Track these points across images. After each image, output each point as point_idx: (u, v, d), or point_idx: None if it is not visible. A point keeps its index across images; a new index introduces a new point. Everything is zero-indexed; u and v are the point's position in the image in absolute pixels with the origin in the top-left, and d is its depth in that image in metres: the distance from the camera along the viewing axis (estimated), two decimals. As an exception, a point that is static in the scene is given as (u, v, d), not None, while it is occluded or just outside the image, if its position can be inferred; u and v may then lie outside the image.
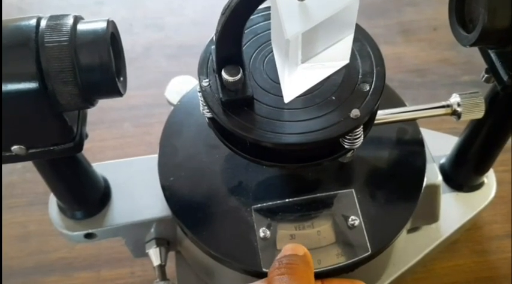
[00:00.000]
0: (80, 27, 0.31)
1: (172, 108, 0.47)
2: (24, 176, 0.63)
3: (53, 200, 0.45)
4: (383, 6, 0.79)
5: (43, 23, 0.30)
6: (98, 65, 0.30)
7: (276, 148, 0.34)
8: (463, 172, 0.53)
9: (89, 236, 0.45)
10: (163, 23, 0.79)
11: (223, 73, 0.33)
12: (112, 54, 0.31)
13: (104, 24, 0.31)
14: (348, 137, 0.34)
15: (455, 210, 0.53)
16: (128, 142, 0.66)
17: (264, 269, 0.38)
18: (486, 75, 0.41)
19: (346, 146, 0.35)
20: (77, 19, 0.31)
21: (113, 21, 0.32)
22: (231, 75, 0.33)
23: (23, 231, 0.59)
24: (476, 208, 0.54)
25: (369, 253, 0.39)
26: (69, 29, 0.30)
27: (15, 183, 0.63)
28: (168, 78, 0.49)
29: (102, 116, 0.68)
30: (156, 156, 0.44)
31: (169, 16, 0.79)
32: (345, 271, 0.39)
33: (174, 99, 0.47)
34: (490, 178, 0.55)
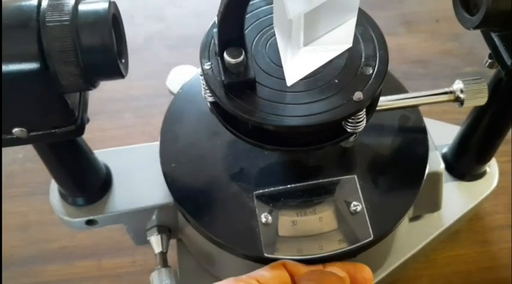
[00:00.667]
0: (82, 7, 0.30)
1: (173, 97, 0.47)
2: (24, 166, 0.63)
3: (54, 187, 0.45)
4: (385, -2, 0.79)
5: (44, 3, 0.30)
6: (99, 46, 0.30)
7: (278, 132, 0.34)
8: (465, 161, 0.53)
9: (90, 222, 0.44)
10: (164, 14, 0.78)
11: (225, 55, 0.33)
12: (114, 35, 0.31)
13: (105, 5, 0.31)
14: (350, 120, 0.34)
15: (457, 199, 0.53)
16: (129, 132, 0.66)
17: (266, 255, 0.38)
18: (489, 61, 0.41)
19: (348, 130, 0.34)
20: None
21: (114, 3, 0.32)
22: (233, 57, 0.33)
23: (23, 221, 0.59)
24: (479, 197, 0.53)
25: (371, 238, 0.38)
26: (70, 8, 0.30)
27: (16, 172, 0.62)
28: (168, 69, 0.48)
29: (103, 106, 0.67)
30: (157, 143, 0.44)
31: (170, 7, 0.79)
32: (347, 257, 0.39)
33: (175, 88, 0.47)
34: (492, 168, 0.54)
